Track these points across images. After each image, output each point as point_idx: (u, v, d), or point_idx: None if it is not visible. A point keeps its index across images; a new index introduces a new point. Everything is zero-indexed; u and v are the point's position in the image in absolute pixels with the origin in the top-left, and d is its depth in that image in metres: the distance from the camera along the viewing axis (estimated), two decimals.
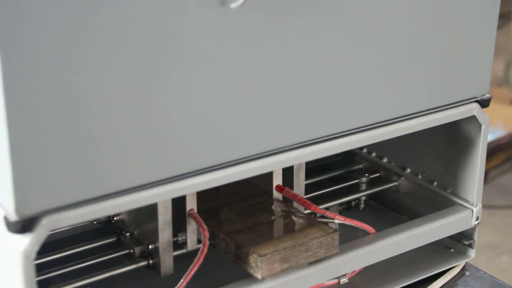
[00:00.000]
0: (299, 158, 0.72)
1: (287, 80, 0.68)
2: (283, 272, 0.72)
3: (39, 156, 0.57)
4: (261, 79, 0.67)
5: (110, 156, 0.61)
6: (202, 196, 0.80)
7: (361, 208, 0.93)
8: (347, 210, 0.92)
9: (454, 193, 0.86)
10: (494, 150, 2.41)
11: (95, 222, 0.82)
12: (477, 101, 0.79)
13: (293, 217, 0.78)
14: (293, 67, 0.68)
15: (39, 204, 0.58)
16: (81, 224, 0.82)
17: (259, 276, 0.70)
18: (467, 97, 0.79)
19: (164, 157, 0.64)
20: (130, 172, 0.62)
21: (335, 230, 0.75)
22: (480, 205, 0.84)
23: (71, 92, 0.57)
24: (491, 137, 2.44)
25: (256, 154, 0.69)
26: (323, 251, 0.73)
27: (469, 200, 0.84)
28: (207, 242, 0.72)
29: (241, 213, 0.79)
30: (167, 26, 0.60)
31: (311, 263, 0.74)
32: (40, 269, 0.73)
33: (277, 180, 0.82)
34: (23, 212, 0.57)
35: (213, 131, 0.66)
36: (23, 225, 0.57)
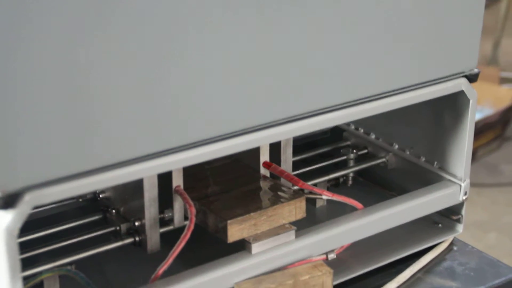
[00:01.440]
0: (285, 133, 0.71)
1: (273, 54, 0.67)
2: (251, 236, 0.72)
3: (21, 130, 0.56)
4: (247, 53, 0.66)
5: (94, 131, 0.60)
6: (189, 173, 0.79)
7: (349, 185, 0.93)
8: (335, 186, 0.92)
9: (442, 168, 0.85)
10: (482, 128, 2.42)
11: (80, 200, 0.81)
12: (465, 76, 0.79)
13: (273, 189, 0.78)
14: (278, 41, 0.67)
15: (22, 180, 0.57)
16: (67, 202, 0.81)
17: (227, 239, 0.71)
18: (455, 72, 0.78)
19: (150, 132, 0.63)
20: (114, 147, 0.61)
21: (302, 195, 0.75)
22: (468, 180, 0.84)
23: (56, 63, 0.56)
24: (479, 116, 2.44)
25: (243, 130, 0.68)
26: (290, 215, 0.74)
27: (457, 175, 0.84)
28: (194, 219, 0.72)
29: (226, 190, 0.78)
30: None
31: (298, 237, 0.74)
32: (25, 247, 0.72)
33: (264, 157, 0.81)
34: (5, 187, 0.56)
35: (199, 106, 0.65)
36: (6, 201, 0.56)
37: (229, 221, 0.72)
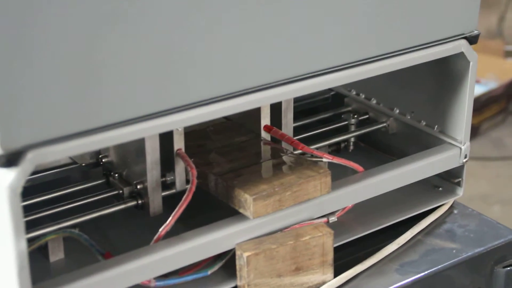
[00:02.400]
0: (286, 94, 0.72)
1: (273, 14, 0.67)
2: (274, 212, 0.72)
3: (24, 88, 0.56)
4: (247, 12, 0.66)
5: (96, 90, 0.60)
6: (191, 137, 0.80)
7: (350, 150, 0.93)
8: (336, 152, 0.92)
9: (443, 132, 0.86)
10: (486, 102, 2.41)
11: (83, 164, 0.82)
12: (465, 38, 0.79)
13: (284, 158, 0.78)
14: (276, 2, 0.67)
15: (25, 138, 0.57)
16: (70, 167, 0.82)
17: (251, 216, 0.71)
18: (455, 34, 0.78)
19: (150, 92, 0.63)
20: (115, 106, 0.62)
21: (326, 170, 0.75)
22: (468, 143, 0.84)
23: (59, 22, 0.56)
24: (483, 89, 2.43)
25: (243, 90, 0.68)
26: (315, 191, 0.73)
27: (457, 138, 0.84)
28: (195, 181, 0.72)
29: (230, 154, 0.79)
30: None
31: (300, 201, 0.75)
32: (29, 210, 0.73)
33: (265, 120, 0.82)
34: (8, 145, 0.57)
35: (200, 65, 0.65)
36: (8, 159, 0.57)
37: (254, 197, 0.70)
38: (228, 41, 0.66)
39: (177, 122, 0.66)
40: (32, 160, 0.58)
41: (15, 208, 0.58)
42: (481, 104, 2.40)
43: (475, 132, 2.42)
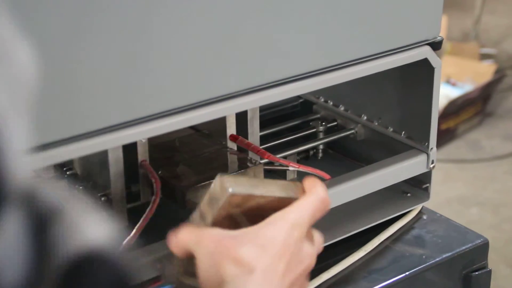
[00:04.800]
0: (250, 103, 0.71)
1: (238, 21, 0.67)
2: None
3: None
4: (207, 21, 0.65)
5: (57, 101, 0.59)
6: (158, 148, 0.79)
7: (319, 157, 0.93)
8: (305, 159, 0.92)
9: (410, 138, 0.86)
10: (462, 105, 2.43)
11: (47, 177, 0.80)
12: (429, 44, 0.79)
13: (234, 160, 0.78)
14: (241, 7, 0.67)
15: None
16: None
17: (184, 206, 0.72)
18: (418, 40, 0.78)
19: (113, 103, 0.63)
20: (77, 118, 0.61)
21: (259, 163, 0.77)
22: (435, 149, 0.84)
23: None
24: (460, 92, 2.45)
25: (207, 100, 0.68)
26: None
27: (424, 144, 0.84)
28: (159, 192, 0.72)
29: (197, 166, 0.78)
30: None
31: None
32: None
33: (231, 130, 0.81)
34: None
35: (162, 75, 0.65)
36: None
37: (186, 189, 0.73)
38: (189, 51, 0.65)
39: (139, 134, 0.65)
40: None
41: None
42: (457, 107, 2.41)
43: (452, 134, 2.43)
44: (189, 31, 0.65)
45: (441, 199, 2.15)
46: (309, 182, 0.56)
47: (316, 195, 0.56)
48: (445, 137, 2.37)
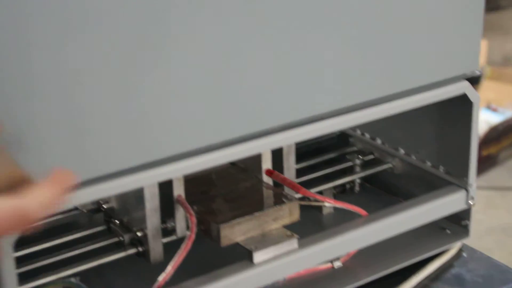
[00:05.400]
0: (286, 139, 0.71)
1: (273, 59, 0.67)
2: (244, 239, 0.72)
3: (26, 130, 0.56)
4: (246, 56, 0.65)
5: (92, 140, 0.60)
6: (194, 183, 0.79)
7: (356, 191, 0.92)
8: (341, 193, 0.91)
9: (448, 173, 0.84)
10: (504, 131, 2.39)
11: (85, 211, 0.81)
12: (467, 79, 0.78)
13: (270, 196, 0.78)
14: (278, 45, 0.67)
15: None
16: (71, 213, 0.81)
17: (220, 243, 0.72)
18: (456, 75, 0.77)
19: (148, 141, 0.63)
20: (113, 156, 0.61)
21: (294, 199, 0.76)
22: (474, 185, 0.83)
23: (45, 76, 0.56)
24: (501, 118, 2.41)
25: (242, 136, 0.68)
26: (281, 219, 0.74)
27: (464, 179, 0.83)
28: (195, 228, 0.71)
29: (233, 201, 0.78)
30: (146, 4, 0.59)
31: (302, 246, 0.74)
32: (28, 258, 0.73)
33: (266, 164, 0.81)
34: None
35: (198, 113, 0.65)
36: None
37: (221, 225, 0.72)
38: (226, 87, 0.66)
39: (176, 171, 0.65)
40: None
41: (7, 263, 0.58)
42: (498, 133, 2.37)
43: (493, 161, 2.39)
44: (225, 67, 0.65)
45: (483, 228, 2.10)
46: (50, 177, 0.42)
47: (20, 202, 0.41)
48: (486, 163, 2.33)
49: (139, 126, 0.62)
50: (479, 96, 0.78)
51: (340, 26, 0.69)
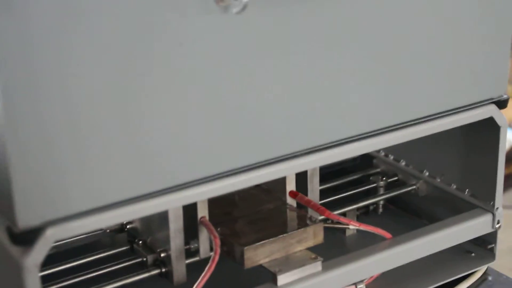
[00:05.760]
0: (311, 163, 0.70)
1: (299, 83, 0.67)
2: (267, 261, 0.72)
3: (42, 164, 0.56)
4: (271, 82, 0.66)
5: (116, 164, 0.60)
6: (217, 204, 0.79)
7: (379, 213, 0.91)
8: (365, 214, 0.90)
9: (474, 196, 0.83)
10: None
11: (108, 231, 0.81)
12: (494, 102, 0.77)
13: (294, 218, 0.77)
14: (304, 69, 0.67)
15: (43, 214, 0.57)
16: (95, 233, 0.81)
17: (243, 265, 0.71)
18: (484, 99, 0.77)
19: (174, 164, 0.63)
20: (136, 181, 0.62)
21: (319, 222, 0.75)
22: (501, 208, 0.82)
23: (68, 100, 0.57)
24: None
25: (267, 160, 0.68)
26: (305, 241, 0.74)
27: (489, 203, 0.82)
28: (219, 250, 0.71)
29: (256, 223, 0.78)
30: (168, 33, 0.59)
31: (325, 268, 0.73)
32: (52, 279, 0.73)
33: (290, 186, 0.81)
34: (26, 223, 0.57)
35: (223, 137, 0.65)
36: (26, 236, 0.57)
37: (245, 247, 0.71)
38: (249, 112, 0.65)
39: (200, 194, 0.65)
40: (51, 237, 0.58)
41: (33, 282, 0.58)
42: None
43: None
44: (250, 93, 0.65)
45: (504, 247, 2.08)
46: None
47: None
48: (508, 182, 2.30)
49: (165, 151, 0.62)
50: (505, 119, 0.78)
51: (369, 51, 0.69)
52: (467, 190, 0.84)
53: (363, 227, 0.77)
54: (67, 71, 0.56)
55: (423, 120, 0.75)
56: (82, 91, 0.57)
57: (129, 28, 0.57)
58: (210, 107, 0.63)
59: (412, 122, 0.74)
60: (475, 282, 0.82)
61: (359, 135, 0.71)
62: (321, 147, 0.70)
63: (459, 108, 0.76)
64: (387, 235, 0.78)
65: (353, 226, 0.77)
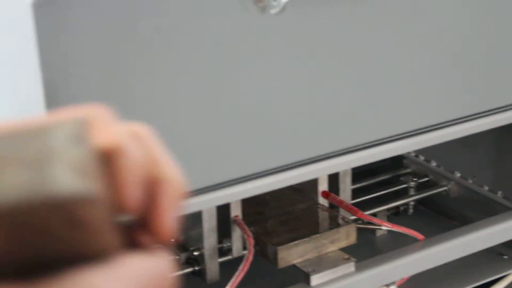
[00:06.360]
0: (344, 164, 0.71)
1: (333, 84, 0.67)
2: (300, 261, 0.72)
3: None
4: (306, 83, 0.66)
5: None
6: (250, 203, 0.79)
7: (409, 213, 0.91)
8: (395, 215, 0.90)
9: (507, 198, 0.83)
10: None
11: None
12: None
13: (326, 218, 0.78)
14: (338, 70, 0.67)
15: None
16: None
17: (277, 265, 0.72)
18: None
19: (208, 165, 0.63)
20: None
21: (351, 223, 0.75)
22: None
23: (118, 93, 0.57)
24: None
25: (301, 161, 0.68)
26: (338, 242, 0.74)
27: None
28: (253, 250, 0.72)
29: (289, 223, 0.78)
30: (205, 32, 0.59)
31: (358, 269, 0.73)
32: None
33: (323, 186, 0.81)
34: None
35: (257, 137, 0.65)
36: None
37: (278, 247, 0.72)
38: (285, 114, 0.66)
39: (234, 195, 0.66)
40: None
41: None
42: None
43: None
44: (285, 94, 0.65)
45: None
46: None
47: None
48: None
49: (199, 152, 0.63)
50: None
51: (405, 53, 0.69)
52: (499, 191, 0.84)
53: (396, 228, 0.77)
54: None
55: (455, 122, 0.74)
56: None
57: (168, 31, 0.58)
58: (244, 108, 0.64)
59: (445, 125, 0.74)
60: (508, 285, 0.81)
61: (392, 136, 0.71)
62: (354, 149, 0.70)
63: (494, 109, 0.75)
64: (419, 236, 0.78)
65: (385, 227, 0.77)
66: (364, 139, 0.70)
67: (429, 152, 0.92)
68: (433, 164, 0.92)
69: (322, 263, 0.73)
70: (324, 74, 0.66)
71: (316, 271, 0.72)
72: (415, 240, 0.78)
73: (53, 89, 0.54)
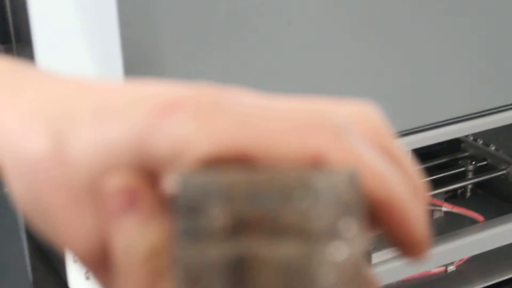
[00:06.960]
0: (405, 145, 0.72)
1: (394, 68, 0.68)
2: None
3: None
4: (374, 65, 0.67)
5: None
6: None
7: (467, 197, 0.91)
8: (452, 198, 0.91)
9: None
10: None
11: None
12: None
13: None
14: (407, 53, 0.68)
15: None
16: None
17: None
18: None
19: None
20: None
21: None
22: None
23: None
24: None
25: None
26: None
27: None
28: None
29: None
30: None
31: None
32: None
33: None
34: None
35: None
36: None
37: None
38: (350, 93, 0.67)
39: None
40: None
41: None
42: None
43: None
44: (350, 74, 0.67)
45: None
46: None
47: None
48: None
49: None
50: None
51: (463, 36, 0.70)
52: None
53: (456, 210, 0.78)
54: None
55: None
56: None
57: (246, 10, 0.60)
58: (311, 84, 0.65)
59: (503, 108, 0.74)
60: None
61: (452, 119, 0.72)
62: (412, 131, 0.71)
63: None
64: (480, 218, 0.79)
65: (445, 208, 0.78)
66: (422, 122, 0.71)
67: (488, 136, 0.92)
68: (492, 148, 0.92)
69: (382, 241, 0.74)
70: (392, 57, 0.67)
71: (376, 249, 0.73)
72: (471, 222, 0.79)
73: (131, 48, 0.56)
